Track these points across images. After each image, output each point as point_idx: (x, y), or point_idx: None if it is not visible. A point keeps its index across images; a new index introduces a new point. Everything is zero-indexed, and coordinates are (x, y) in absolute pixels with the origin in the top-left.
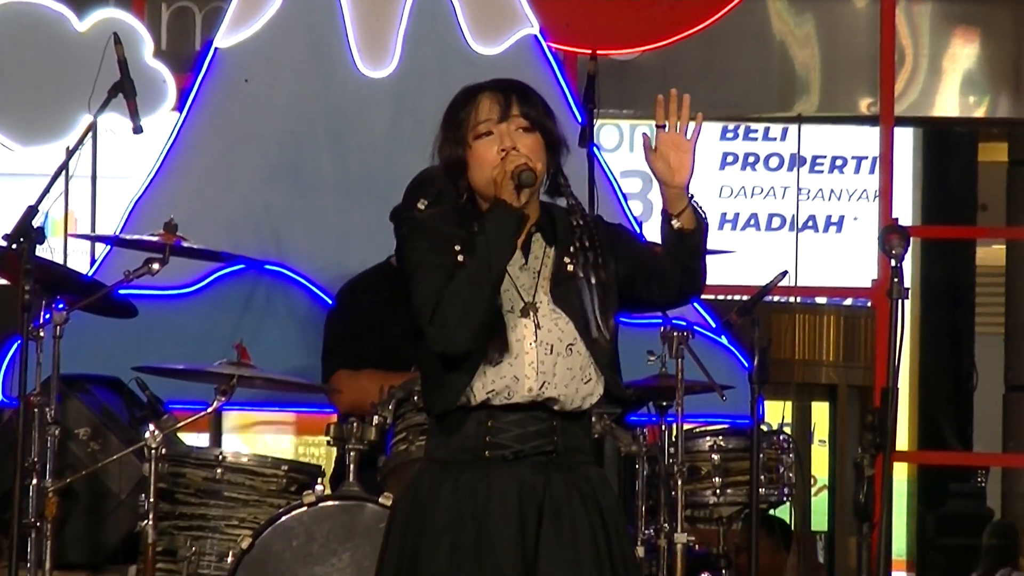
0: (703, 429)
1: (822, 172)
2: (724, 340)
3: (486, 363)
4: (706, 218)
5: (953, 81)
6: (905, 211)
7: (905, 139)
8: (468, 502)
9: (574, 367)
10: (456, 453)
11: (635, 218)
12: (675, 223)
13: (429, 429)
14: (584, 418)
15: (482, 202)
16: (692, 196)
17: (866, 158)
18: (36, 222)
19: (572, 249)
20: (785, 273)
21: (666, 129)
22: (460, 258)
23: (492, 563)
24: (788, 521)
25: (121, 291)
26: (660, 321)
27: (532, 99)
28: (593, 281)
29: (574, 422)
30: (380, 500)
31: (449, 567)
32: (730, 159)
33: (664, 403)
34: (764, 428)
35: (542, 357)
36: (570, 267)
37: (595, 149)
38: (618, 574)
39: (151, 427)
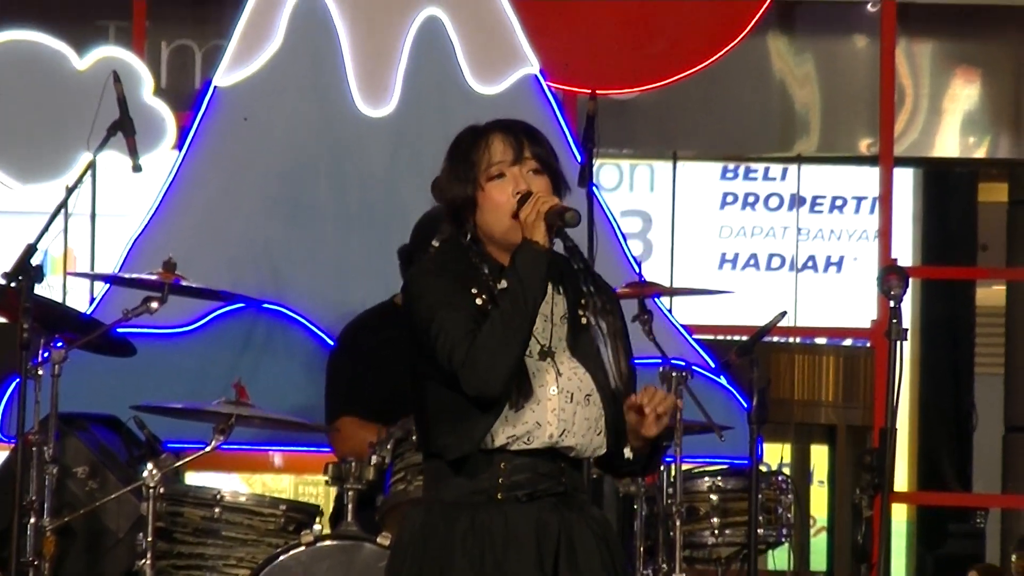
0: (702, 469)
1: (822, 212)
2: (723, 380)
3: (509, 408)
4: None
5: (953, 121)
6: (905, 251)
7: (905, 179)
8: (488, 542)
9: (591, 418)
10: (468, 495)
11: (635, 258)
12: (626, 451)
13: (430, 470)
14: (583, 466)
15: (487, 243)
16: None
17: (866, 198)
18: (35, 260)
19: (583, 301)
20: (784, 313)
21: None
22: (479, 301)
23: None
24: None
25: (120, 330)
26: (659, 361)
27: (540, 140)
28: (605, 329)
29: (577, 466)
30: (378, 540)
31: None
32: (730, 199)
33: (663, 443)
34: (763, 469)
35: (563, 404)
36: (584, 319)
37: (595, 189)
38: None
39: (149, 466)
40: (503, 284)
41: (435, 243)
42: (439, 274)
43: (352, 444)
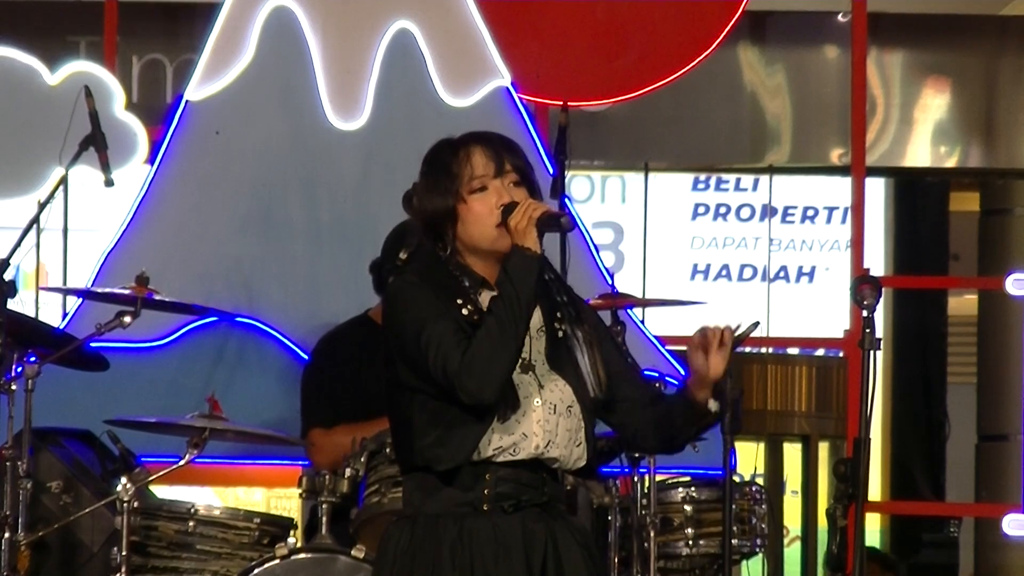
0: (675, 480)
1: (793, 223)
2: None
3: (497, 419)
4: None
5: (924, 131)
6: (877, 261)
7: (876, 189)
8: (477, 552)
9: (572, 429)
10: (454, 507)
11: (607, 270)
12: (711, 404)
13: (411, 483)
14: (561, 475)
15: (466, 255)
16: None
17: (837, 208)
18: (7, 275)
19: (558, 313)
20: (757, 324)
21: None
22: (464, 311)
23: None
24: (761, 571)
25: (93, 344)
26: None
27: (518, 152)
28: (581, 338)
29: (556, 477)
30: (352, 552)
31: None
32: (701, 210)
33: (636, 454)
34: (736, 479)
35: (547, 416)
36: (560, 332)
37: (566, 200)
38: None
39: (123, 480)
40: (486, 296)
41: (402, 255)
42: (422, 286)
43: (328, 454)
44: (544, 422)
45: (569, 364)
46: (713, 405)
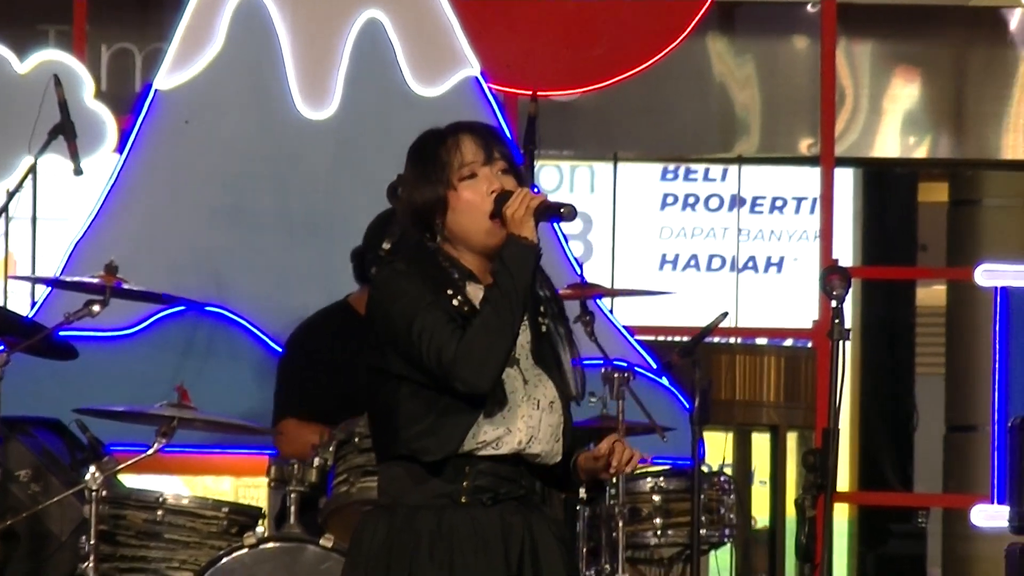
0: (644, 470)
1: (762, 213)
2: (665, 381)
3: (484, 414)
4: None
5: (894, 121)
6: (845, 252)
7: (845, 179)
8: (456, 545)
9: (554, 424)
10: (432, 499)
11: (576, 259)
12: (582, 492)
13: (388, 473)
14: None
15: (455, 246)
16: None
17: (806, 199)
18: None
19: (542, 308)
20: (726, 314)
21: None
22: (455, 302)
23: None
24: (729, 561)
25: (61, 333)
26: (601, 362)
27: (504, 141)
28: (563, 334)
29: (533, 471)
30: (321, 541)
31: None
32: (670, 200)
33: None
34: (705, 469)
35: (531, 412)
36: (543, 326)
37: (535, 190)
38: None
39: (92, 469)
40: (473, 289)
41: (385, 245)
42: (411, 276)
43: (295, 446)
44: (528, 418)
45: (552, 360)
46: (583, 494)
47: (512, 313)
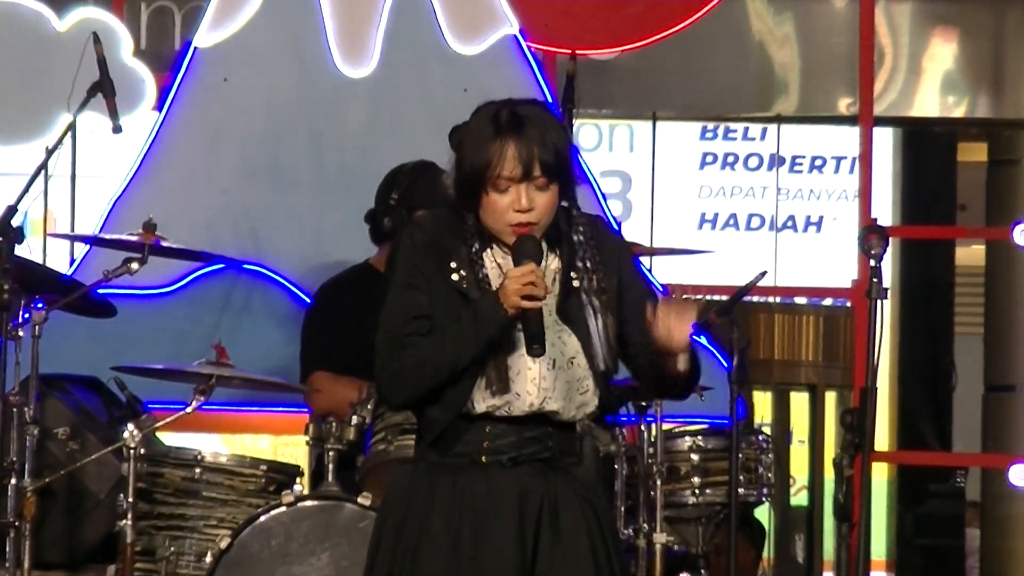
0: (682, 429)
1: (801, 172)
2: (703, 340)
3: (485, 388)
4: (699, 364)
5: (932, 81)
6: (884, 211)
7: (884, 139)
8: (468, 506)
9: (572, 380)
10: (453, 457)
11: (615, 218)
12: (680, 363)
13: (420, 427)
14: (573, 425)
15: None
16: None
17: (845, 158)
18: (15, 221)
19: (578, 264)
20: (764, 273)
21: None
22: (455, 277)
23: (492, 565)
24: (767, 520)
25: (100, 291)
26: None
27: (551, 145)
28: (597, 305)
29: (567, 428)
30: (359, 500)
31: (449, 569)
32: (709, 159)
33: (643, 403)
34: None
35: (544, 373)
36: (576, 282)
37: (574, 149)
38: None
39: (130, 427)
40: (492, 252)
41: (394, 196)
42: (416, 251)
43: (328, 399)
44: (540, 379)
45: (580, 318)
46: (682, 362)
47: (458, 356)
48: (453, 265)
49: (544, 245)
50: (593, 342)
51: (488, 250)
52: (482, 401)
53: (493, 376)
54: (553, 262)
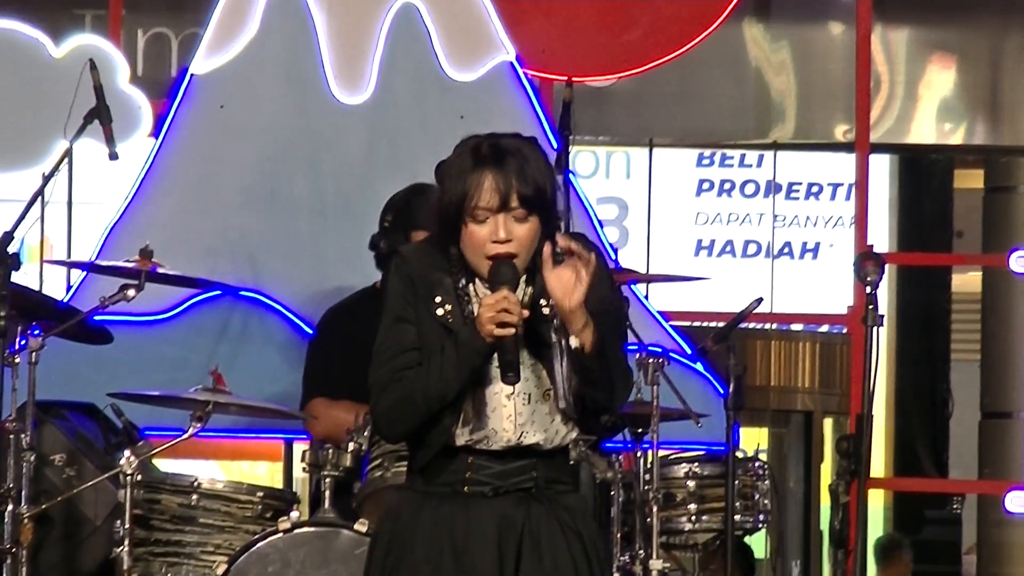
0: (678, 456)
1: (798, 199)
2: (699, 367)
3: (461, 421)
4: (602, 340)
5: (929, 108)
6: (881, 238)
7: (881, 166)
8: (447, 535)
9: (552, 410)
10: (436, 487)
11: (611, 245)
12: (572, 341)
13: (409, 459)
14: (564, 451)
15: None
16: (593, 317)
17: (842, 185)
18: (11, 248)
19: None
20: (760, 300)
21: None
22: (440, 311)
23: None
24: (762, 548)
25: (96, 317)
26: (636, 347)
27: (531, 177)
28: (564, 344)
29: (554, 457)
30: (356, 526)
31: None
32: (706, 186)
33: (640, 430)
34: (739, 455)
35: (520, 408)
36: (545, 309)
37: (571, 176)
38: None
39: (126, 453)
40: (477, 286)
41: (387, 218)
42: (405, 279)
43: (325, 425)
44: (516, 416)
45: (547, 356)
46: (574, 341)
47: (443, 387)
48: (438, 299)
49: (523, 277)
50: (556, 380)
51: (472, 284)
52: (462, 436)
53: (470, 413)
54: (527, 291)
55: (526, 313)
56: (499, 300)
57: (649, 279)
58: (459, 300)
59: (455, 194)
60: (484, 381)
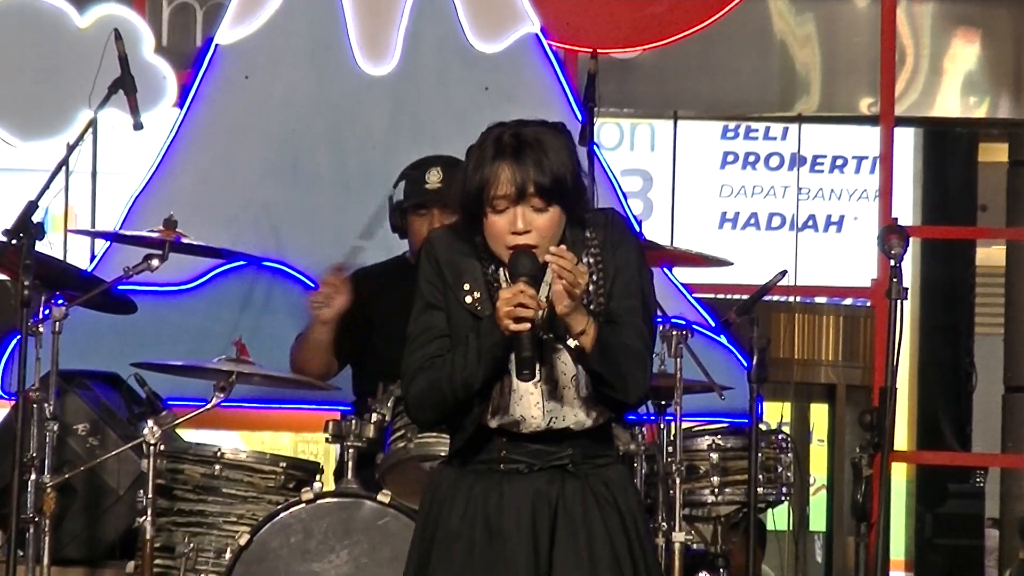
0: (701, 428)
1: (822, 172)
2: (723, 339)
3: (492, 409)
4: (603, 340)
5: (954, 81)
6: (905, 211)
7: (905, 139)
8: (481, 511)
9: (582, 394)
10: (475, 462)
11: (635, 217)
12: (570, 342)
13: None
14: (602, 428)
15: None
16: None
17: (866, 158)
18: (36, 218)
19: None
20: (784, 272)
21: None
22: (468, 299)
23: (505, 573)
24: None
25: (120, 287)
26: (660, 320)
27: (548, 167)
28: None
29: (590, 434)
30: (378, 497)
31: (461, 572)
32: (730, 158)
33: (663, 402)
34: (763, 427)
35: (547, 395)
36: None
37: (595, 147)
38: (639, 575)
39: (150, 423)
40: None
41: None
42: (434, 265)
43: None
44: (543, 403)
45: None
46: (571, 341)
47: (468, 376)
48: (466, 287)
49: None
50: (578, 370)
51: (501, 270)
52: (494, 421)
53: (498, 401)
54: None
55: (546, 304)
56: (515, 294)
57: (673, 257)
58: (488, 287)
59: (475, 183)
60: (510, 369)
